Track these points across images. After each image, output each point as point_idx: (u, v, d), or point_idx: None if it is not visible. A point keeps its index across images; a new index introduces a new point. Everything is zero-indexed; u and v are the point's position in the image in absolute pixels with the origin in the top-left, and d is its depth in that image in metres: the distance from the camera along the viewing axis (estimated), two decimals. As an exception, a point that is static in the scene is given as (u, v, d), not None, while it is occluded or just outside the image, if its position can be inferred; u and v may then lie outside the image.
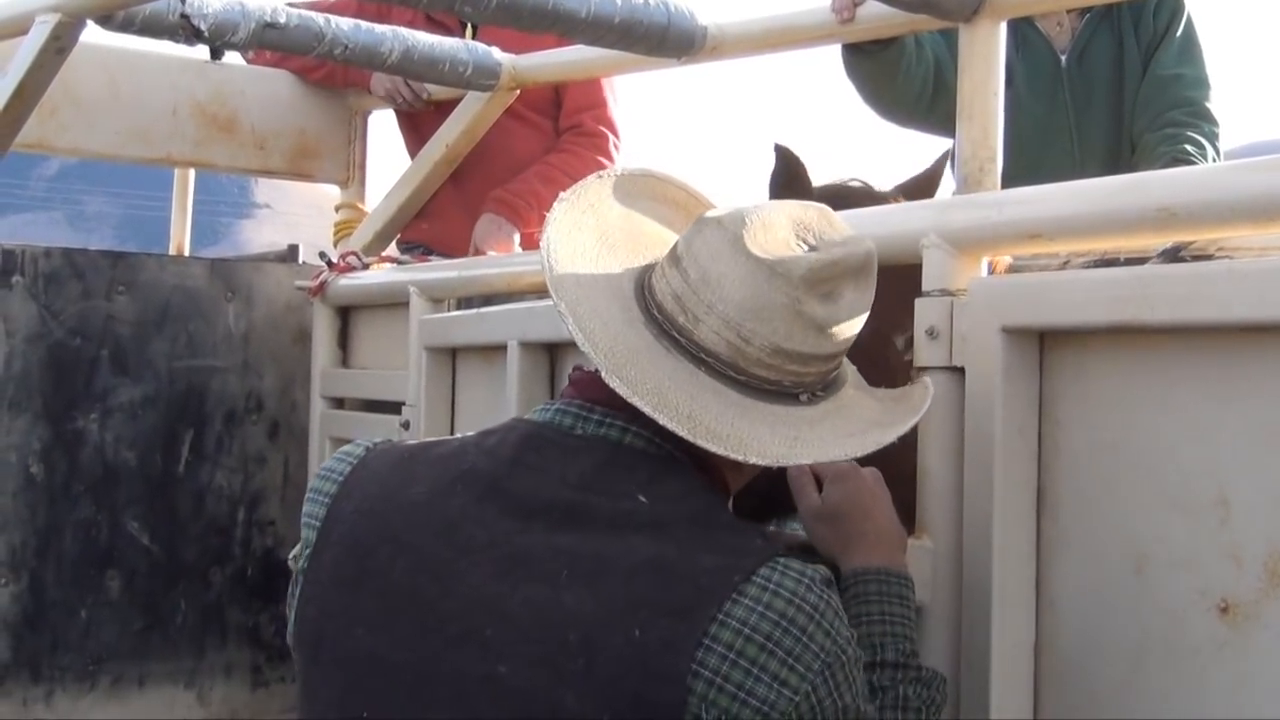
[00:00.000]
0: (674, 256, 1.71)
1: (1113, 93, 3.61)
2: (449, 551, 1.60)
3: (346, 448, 1.81)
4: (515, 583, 1.55)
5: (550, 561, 1.55)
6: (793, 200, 1.76)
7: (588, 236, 1.78)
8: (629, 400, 1.58)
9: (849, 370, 1.82)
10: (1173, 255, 1.85)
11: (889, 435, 1.71)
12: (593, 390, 1.68)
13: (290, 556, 1.83)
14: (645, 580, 1.52)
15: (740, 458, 1.59)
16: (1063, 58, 3.62)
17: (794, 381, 1.68)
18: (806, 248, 1.67)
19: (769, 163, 2.22)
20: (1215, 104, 3.55)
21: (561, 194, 1.81)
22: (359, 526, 1.68)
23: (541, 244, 1.73)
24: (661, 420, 1.57)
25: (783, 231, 1.68)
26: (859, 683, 1.57)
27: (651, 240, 1.83)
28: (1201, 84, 3.57)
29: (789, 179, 2.22)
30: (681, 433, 1.58)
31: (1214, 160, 3.41)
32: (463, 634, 1.56)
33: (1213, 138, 3.48)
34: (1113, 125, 3.62)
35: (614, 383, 1.59)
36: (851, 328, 1.70)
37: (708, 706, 1.47)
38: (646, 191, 1.90)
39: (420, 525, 1.64)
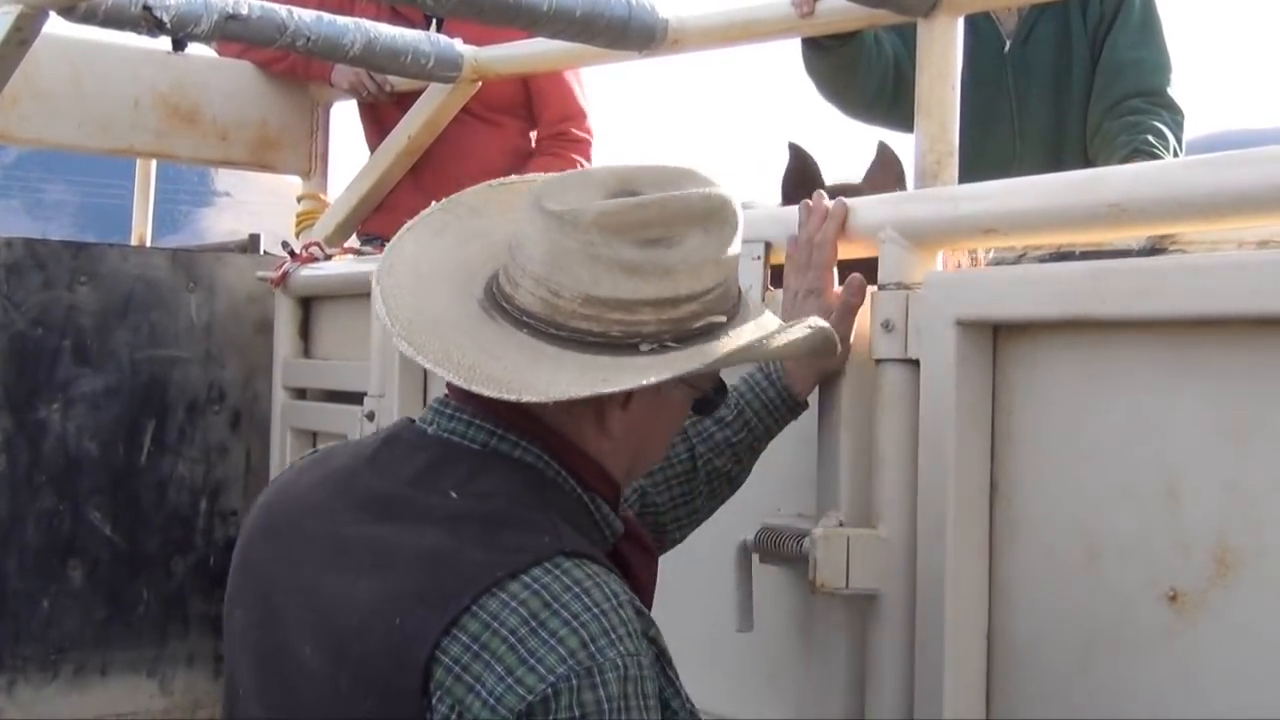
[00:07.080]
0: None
1: (1056, 78, 3.54)
2: (297, 541, 1.70)
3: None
4: (335, 571, 1.62)
5: (362, 551, 1.62)
6: (642, 164, 1.71)
7: (449, 237, 1.81)
8: (415, 360, 1.63)
9: (752, 327, 1.71)
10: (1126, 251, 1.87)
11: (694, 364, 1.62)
12: (453, 388, 1.69)
13: None
14: (419, 571, 1.55)
15: (514, 397, 1.56)
16: (1008, 43, 3.54)
17: (625, 331, 1.61)
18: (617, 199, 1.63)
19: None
20: (1176, 89, 3.47)
21: (433, 207, 1.86)
22: (254, 518, 1.80)
23: (387, 247, 1.80)
24: (443, 374, 1.60)
25: (590, 188, 1.64)
26: (630, 710, 1.49)
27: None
28: (1161, 69, 3.47)
29: (802, 178, 2.23)
30: (459, 381, 1.58)
31: (1175, 149, 3.35)
32: (293, 619, 1.64)
33: (1175, 126, 3.39)
34: (1053, 112, 3.55)
35: (402, 346, 1.64)
36: (693, 272, 1.62)
37: (443, 695, 1.47)
38: (496, 203, 1.92)
39: (288, 517, 1.74)
